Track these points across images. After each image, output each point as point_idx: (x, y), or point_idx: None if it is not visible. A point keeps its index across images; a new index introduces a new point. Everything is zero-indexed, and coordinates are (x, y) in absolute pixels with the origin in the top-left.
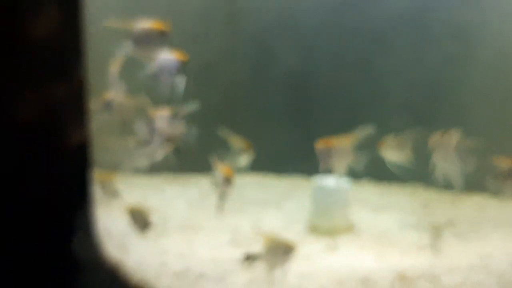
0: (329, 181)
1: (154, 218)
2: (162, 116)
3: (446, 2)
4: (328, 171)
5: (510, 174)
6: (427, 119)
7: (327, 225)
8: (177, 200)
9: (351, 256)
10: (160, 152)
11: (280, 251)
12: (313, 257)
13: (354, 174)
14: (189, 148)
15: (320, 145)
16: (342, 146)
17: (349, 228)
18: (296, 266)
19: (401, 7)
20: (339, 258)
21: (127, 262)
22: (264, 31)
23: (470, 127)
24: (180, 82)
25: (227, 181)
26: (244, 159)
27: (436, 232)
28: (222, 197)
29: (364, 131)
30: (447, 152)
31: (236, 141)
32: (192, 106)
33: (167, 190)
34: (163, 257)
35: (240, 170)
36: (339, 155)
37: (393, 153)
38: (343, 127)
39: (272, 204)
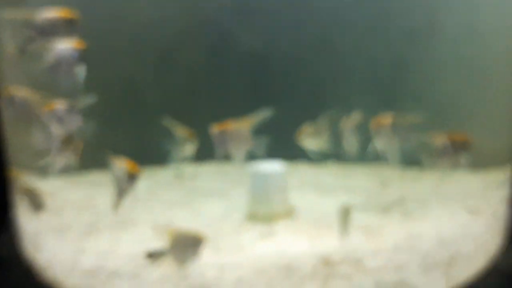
0: (265, 166)
1: (87, 215)
2: (56, 110)
3: None
4: (226, 156)
5: (445, 150)
6: (391, 97)
7: (265, 212)
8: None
9: (282, 243)
10: (58, 151)
11: (187, 244)
12: (244, 246)
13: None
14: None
15: (215, 129)
16: (239, 130)
17: (288, 213)
18: (219, 257)
19: None
20: (270, 245)
21: (40, 260)
22: (222, 14)
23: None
24: (80, 71)
25: (131, 177)
26: (188, 149)
27: (345, 214)
28: (121, 194)
29: (262, 115)
30: (386, 132)
31: (179, 131)
32: (89, 99)
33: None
34: (78, 255)
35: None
36: (235, 139)
37: (311, 141)
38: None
39: (218, 193)
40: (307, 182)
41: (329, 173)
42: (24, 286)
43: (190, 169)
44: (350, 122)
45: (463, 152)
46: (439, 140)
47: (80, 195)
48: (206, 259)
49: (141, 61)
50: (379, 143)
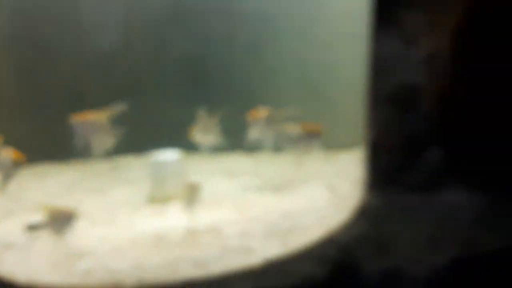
0: (163, 156)
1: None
2: None
3: None
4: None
5: (300, 138)
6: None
7: (162, 195)
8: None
9: (166, 219)
10: None
11: (61, 218)
12: (133, 222)
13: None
14: None
15: (74, 119)
16: (98, 121)
17: (186, 195)
18: (103, 231)
19: None
20: (155, 221)
21: None
22: (156, 22)
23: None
24: None
25: (16, 163)
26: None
27: (190, 191)
28: (7, 179)
29: (119, 107)
30: (261, 124)
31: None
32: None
33: None
34: None
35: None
36: (94, 129)
37: (202, 136)
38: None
39: (128, 181)
40: (221, 169)
41: (236, 160)
42: None
43: (124, 161)
44: (253, 116)
45: (315, 139)
46: (294, 129)
47: None
48: (94, 233)
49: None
50: (254, 133)
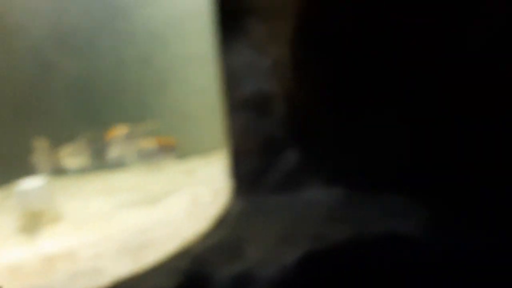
0: (28, 183)
1: None
2: None
3: None
4: None
5: (154, 152)
6: None
7: (30, 223)
8: None
9: (28, 248)
10: None
11: None
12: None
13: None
14: None
15: None
16: None
17: (54, 219)
18: None
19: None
20: (17, 250)
21: None
22: (40, 45)
23: None
24: None
25: None
26: None
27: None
28: None
29: None
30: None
31: None
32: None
33: None
34: None
35: None
36: None
37: (72, 160)
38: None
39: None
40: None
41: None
42: None
43: None
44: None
45: (169, 152)
46: (148, 144)
47: None
48: None
49: None
50: (114, 152)
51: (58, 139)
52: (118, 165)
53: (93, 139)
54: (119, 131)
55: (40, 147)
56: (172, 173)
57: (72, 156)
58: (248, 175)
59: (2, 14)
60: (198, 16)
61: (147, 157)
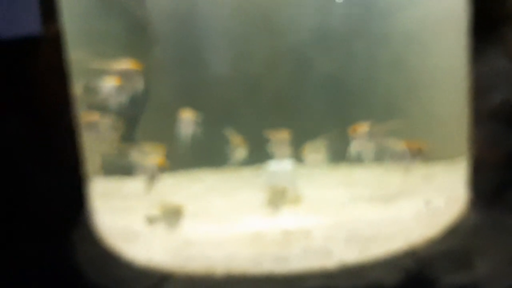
0: (278, 165)
1: None
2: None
3: None
4: None
5: (403, 155)
6: None
7: (276, 197)
8: None
9: (267, 221)
10: None
11: (171, 213)
12: (245, 221)
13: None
14: None
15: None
16: None
17: (296, 201)
18: (212, 227)
19: None
20: (258, 222)
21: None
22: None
23: None
24: None
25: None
26: None
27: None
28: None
29: None
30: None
31: None
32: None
33: None
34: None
35: None
36: None
37: (312, 157)
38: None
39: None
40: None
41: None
42: None
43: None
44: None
45: (418, 157)
46: (398, 145)
47: None
48: (205, 227)
49: None
50: (355, 147)
51: (306, 133)
52: (359, 160)
53: (336, 138)
54: (362, 127)
55: (280, 138)
56: (410, 175)
57: (313, 154)
58: (488, 188)
59: (270, 17)
60: (455, 20)
61: (395, 159)
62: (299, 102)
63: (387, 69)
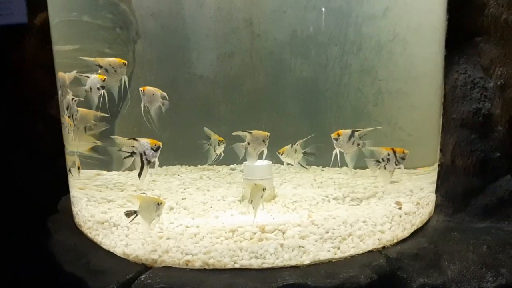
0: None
1: None
2: None
3: None
4: None
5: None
6: None
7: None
8: None
9: (243, 216)
10: None
11: (150, 206)
12: (221, 216)
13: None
14: None
15: None
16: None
17: (271, 197)
18: (190, 220)
19: None
20: (240, 217)
21: None
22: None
23: None
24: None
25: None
26: None
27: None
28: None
29: None
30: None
31: None
32: None
33: None
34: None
35: None
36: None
37: (287, 159)
38: None
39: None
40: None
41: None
42: None
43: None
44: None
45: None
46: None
47: None
48: (183, 221)
49: None
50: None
51: (282, 134)
52: (339, 164)
53: (309, 142)
54: (346, 132)
55: (258, 137)
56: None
57: (288, 156)
58: (457, 194)
59: (251, 22)
60: (428, 31)
61: (379, 162)
62: (277, 104)
63: (358, 77)
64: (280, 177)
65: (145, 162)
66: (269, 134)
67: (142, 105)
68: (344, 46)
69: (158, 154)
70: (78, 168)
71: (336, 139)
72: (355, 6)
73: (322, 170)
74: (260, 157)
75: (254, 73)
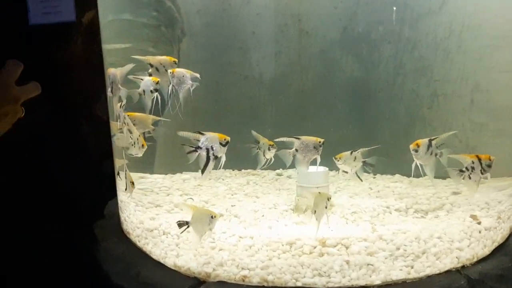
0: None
1: None
2: None
3: None
4: None
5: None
6: None
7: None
8: None
9: (301, 227)
10: None
11: (204, 218)
12: (275, 226)
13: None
14: None
15: None
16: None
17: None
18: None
19: None
20: (295, 227)
21: None
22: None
23: None
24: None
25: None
26: None
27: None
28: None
29: None
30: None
31: None
32: None
33: None
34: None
35: None
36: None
37: (343, 166)
38: None
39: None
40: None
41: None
42: None
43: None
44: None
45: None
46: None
47: None
48: (236, 231)
49: None
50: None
51: (330, 138)
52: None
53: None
54: (423, 141)
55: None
56: (446, 190)
57: (345, 163)
58: None
59: (299, 18)
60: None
61: (463, 172)
62: (325, 106)
63: (412, 77)
64: (333, 185)
65: (211, 157)
66: (322, 140)
67: (170, 88)
68: (398, 44)
69: (225, 149)
70: (132, 183)
71: (416, 150)
72: (410, 0)
73: (374, 177)
74: (312, 163)
75: (302, 73)
